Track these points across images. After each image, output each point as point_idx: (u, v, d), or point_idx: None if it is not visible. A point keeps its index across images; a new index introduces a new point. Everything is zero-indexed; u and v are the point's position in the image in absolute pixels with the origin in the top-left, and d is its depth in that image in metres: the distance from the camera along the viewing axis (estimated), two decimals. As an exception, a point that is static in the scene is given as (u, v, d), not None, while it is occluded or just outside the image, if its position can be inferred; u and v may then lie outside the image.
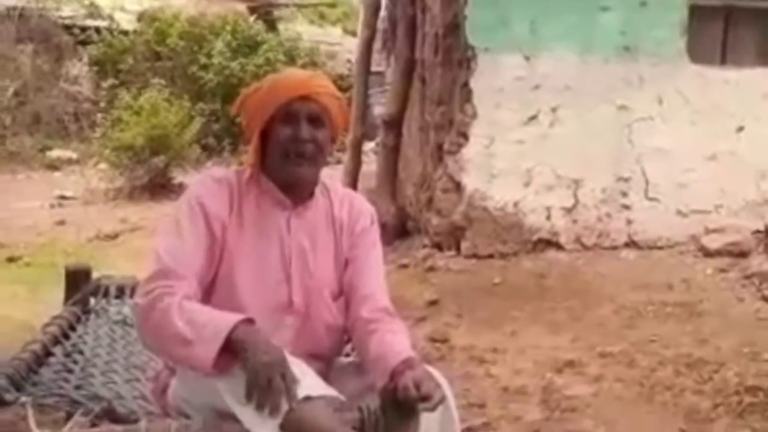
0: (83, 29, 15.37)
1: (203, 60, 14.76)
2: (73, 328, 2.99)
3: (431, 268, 6.70)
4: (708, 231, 6.97)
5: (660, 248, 7.00)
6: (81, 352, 2.81)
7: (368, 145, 11.30)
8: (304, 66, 13.93)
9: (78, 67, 15.56)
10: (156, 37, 15.11)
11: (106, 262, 6.65)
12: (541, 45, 6.93)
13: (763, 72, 7.15)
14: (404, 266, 6.82)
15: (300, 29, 18.09)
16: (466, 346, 5.11)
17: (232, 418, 2.02)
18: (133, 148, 11.08)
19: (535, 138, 6.97)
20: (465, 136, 6.97)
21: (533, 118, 6.97)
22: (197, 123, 12.30)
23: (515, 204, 6.95)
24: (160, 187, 11.32)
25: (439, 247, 7.03)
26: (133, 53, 14.99)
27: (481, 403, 4.24)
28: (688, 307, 5.67)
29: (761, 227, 6.90)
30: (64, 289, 3.40)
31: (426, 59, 7.99)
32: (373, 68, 10.37)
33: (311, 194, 2.38)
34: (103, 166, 11.73)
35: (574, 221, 7.04)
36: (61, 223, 9.47)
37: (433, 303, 5.94)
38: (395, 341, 2.25)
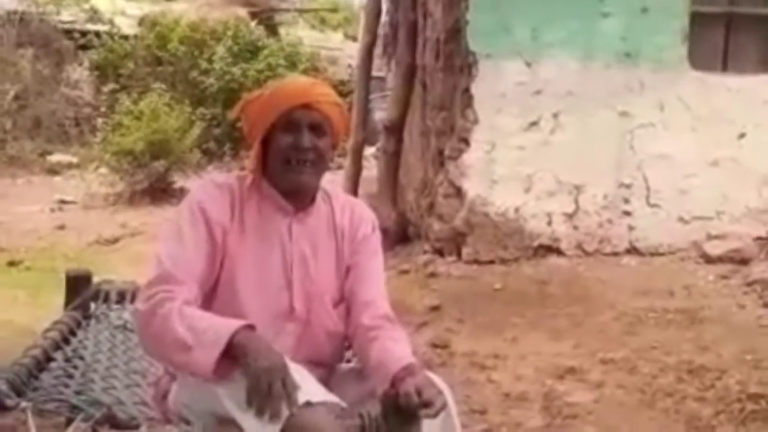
0: (84, 34, 15.38)
1: (204, 65, 14.78)
2: (73, 333, 2.99)
3: (432, 274, 6.69)
4: (710, 237, 6.96)
5: (661, 255, 6.98)
6: (81, 358, 2.81)
7: (369, 151, 11.29)
8: (305, 71, 13.95)
9: (78, 72, 15.57)
10: (157, 41, 15.12)
11: (106, 267, 6.65)
12: (542, 51, 6.93)
13: (765, 79, 7.14)
14: (405, 272, 6.80)
15: (301, 34, 18.10)
16: (468, 352, 5.10)
17: (233, 424, 2.02)
18: (133, 152, 11.08)
19: (537, 144, 6.96)
20: (466, 142, 6.97)
21: (534, 123, 6.97)
22: (198, 128, 12.30)
23: (516, 210, 6.94)
24: (161, 192, 11.32)
25: (440, 252, 7.02)
26: (133, 58, 15.00)
27: (482, 409, 4.24)
28: (689, 314, 5.66)
29: (763, 234, 6.90)
30: (64, 293, 3.40)
31: (427, 64, 7.99)
32: (374, 73, 10.37)
33: (312, 200, 2.38)
34: (103, 170, 11.73)
35: (576, 227, 7.03)
36: (62, 227, 9.47)
37: (434, 309, 5.93)
38: (396, 348, 2.25)
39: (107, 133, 11.79)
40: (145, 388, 2.59)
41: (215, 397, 2.05)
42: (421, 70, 8.21)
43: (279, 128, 2.27)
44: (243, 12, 16.88)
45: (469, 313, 5.82)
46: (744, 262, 6.61)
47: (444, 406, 2.05)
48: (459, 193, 6.98)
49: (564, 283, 6.42)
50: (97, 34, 15.29)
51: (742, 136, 7.08)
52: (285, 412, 1.92)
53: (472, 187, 6.94)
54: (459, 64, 7.13)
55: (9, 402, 2.21)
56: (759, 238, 6.86)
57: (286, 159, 2.27)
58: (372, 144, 11.85)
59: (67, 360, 2.75)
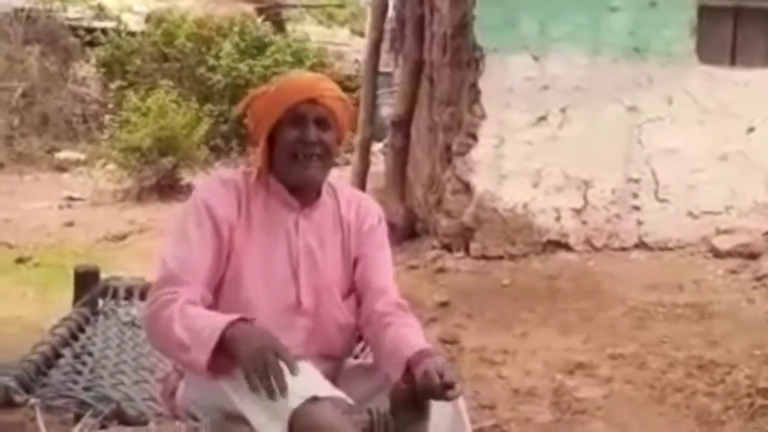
0: (90, 31, 15.36)
1: (211, 61, 14.75)
2: (82, 330, 2.99)
3: (441, 270, 6.68)
4: (719, 232, 6.95)
5: (670, 249, 6.97)
6: (90, 354, 2.81)
7: (377, 146, 11.28)
8: (312, 67, 13.92)
9: (86, 69, 15.56)
10: (163, 38, 15.10)
11: (114, 263, 6.66)
12: (550, 45, 6.91)
13: (773, 72, 7.12)
14: (413, 267, 6.80)
15: (308, 30, 18.05)
16: (476, 347, 5.10)
17: (241, 419, 2.02)
18: (141, 149, 11.08)
19: (545, 139, 6.95)
20: (474, 137, 6.95)
21: (542, 118, 6.95)
22: (205, 124, 12.28)
23: (525, 205, 6.93)
24: (168, 188, 11.31)
25: (448, 248, 7.01)
26: (140, 54, 14.98)
27: (491, 404, 4.24)
28: (698, 309, 5.65)
29: (772, 228, 6.88)
30: (73, 290, 3.39)
31: (434, 60, 7.98)
32: (381, 69, 10.37)
33: (318, 194, 2.38)
34: (111, 167, 11.72)
35: (584, 222, 7.01)
36: (70, 224, 9.47)
37: (442, 304, 5.92)
38: (411, 333, 2.25)
39: (114, 129, 11.78)
40: (154, 384, 2.59)
41: (223, 394, 2.06)
42: (429, 66, 8.20)
43: (285, 123, 2.28)
44: (249, 8, 16.86)
45: (477, 309, 5.82)
46: (753, 256, 6.59)
47: (461, 391, 2.06)
48: (467, 188, 6.97)
49: (573, 278, 6.42)
50: (104, 31, 15.27)
51: (750, 130, 7.07)
52: (288, 383, 1.91)
53: (480, 183, 6.93)
54: (466, 59, 7.11)
55: (18, 398, 2.21)
56: (768, 233, 6.84)
57: (293, 153, 2.28)
58: (379, 140, 11.82)
59: (76, 356, 2.75)
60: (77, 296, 3.33)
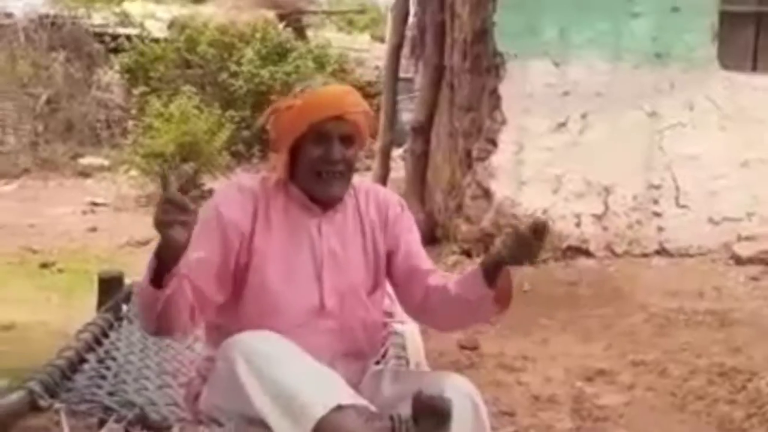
0: (114, 37, 15.49)
1: (233, 67, 14.83)
2: (106, 335, 3.00)
3: (460, 276, 6.66)
4: (740, 239, 6.91)
5: (691, 256, 6.94)
6: (114, 359, 2.82)
7: (397, 152, 11.30)
8: (333, 73, 13.97)
9: (109, 75, 15.68)
10: (186, 44, 15.19)
11: (137, 269, 6.65)
12: (570, 51, 6.91)
13: (795, 78, 7.09)
14: (433, 273, 6.78)
15: (329, 36, 18.12)
16: (496, 353, 5.09)
17: (263, 425, 2.03)
18: (163, 155, 11.13)
19: (565, 145, 6.94)
20: (494, 143, 6.96)
21: (563, 124, 6.95)
22: (227, 130, 12.34)
23: (545, 211, 6.91)
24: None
25: (468, 254, 7.00)
26: (163, 61, 15.08)
27: (511, 411, 4.22)
28: (719, 316, 5.62)
29: (794, 235, 6.83)
30: (96, 295, 3.42)
31: (455, 66, 7.99)
32: (402, 75, 10.39)
33: (340, 199, 2.40)
34: (134, 172, 11.79)
35: (605, 228, 7.00)
36: (93, 229, 9.54)
37: (462, 310, 5.90)
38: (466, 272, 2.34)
39: (138, 135, 11.86)
40: (177, 389, 2.61)
41: (246, 399, 2.07)
42: (449, 71, 8.21)
43: (309, 139, 2.29)
44: (271, 14, 16.91)
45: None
46: (774, 263, 6.56)
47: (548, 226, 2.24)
48: (487, 194, 6.97)
49: (593, 284, 6.40)
50: (128, 37, 15.39)
51: (772, 136, 7.02)
52: (316, 414, 1.93)
53: (500, 189, 6.93)
54: (486, 65, 7.12)
55: (43, 403, 2.23)
56: (790, 240, 6.80)
57: (316, 171, 2.30)
58: (400, 145, 11.84)
59: (100, 361, 2.77)
60: (101, 301, 3.35)
